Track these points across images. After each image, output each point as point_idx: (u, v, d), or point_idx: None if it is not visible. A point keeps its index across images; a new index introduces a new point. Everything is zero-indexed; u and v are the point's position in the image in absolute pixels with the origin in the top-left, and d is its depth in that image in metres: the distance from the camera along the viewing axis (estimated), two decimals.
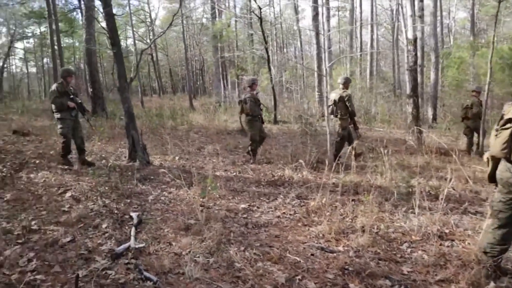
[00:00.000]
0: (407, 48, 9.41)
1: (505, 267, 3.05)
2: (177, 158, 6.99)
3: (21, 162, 6.33)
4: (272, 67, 13.96)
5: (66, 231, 3.67)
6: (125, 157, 6.73)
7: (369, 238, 3.56)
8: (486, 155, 3.05)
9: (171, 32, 34.38)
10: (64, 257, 3.18)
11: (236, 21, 27.10)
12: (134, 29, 26.54)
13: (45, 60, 38.15)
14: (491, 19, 20.19)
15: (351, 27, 22.05)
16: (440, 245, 3.53)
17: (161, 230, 3.75)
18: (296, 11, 25.22)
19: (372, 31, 22.43)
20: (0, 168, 5.87)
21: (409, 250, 3.46)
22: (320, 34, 13.95)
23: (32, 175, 5.68)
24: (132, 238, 3.46)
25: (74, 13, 26.14)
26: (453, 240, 3.66)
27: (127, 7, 25.33)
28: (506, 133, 2.75)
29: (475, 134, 8.72)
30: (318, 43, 15.69)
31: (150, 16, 34.36)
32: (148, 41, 30.07)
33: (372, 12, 22.86)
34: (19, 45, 35.46)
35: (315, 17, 15.71)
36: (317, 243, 3.57)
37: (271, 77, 13.52)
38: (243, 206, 4.52)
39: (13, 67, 42.06)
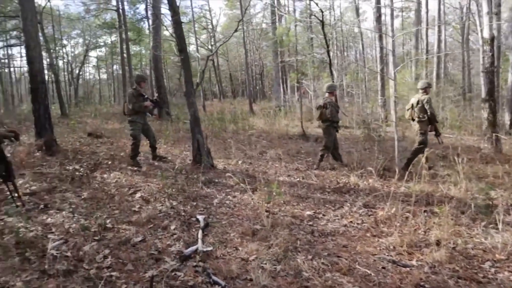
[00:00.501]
0: (483, 49, 8.76)
1: None
2: (240, 162, 7.06)
3: (95, 162, 6.73)
4: (334, 71, 13.68)
5: (137, 231, 3.82)
6: (190, 160, 6.92)
7: (445, 253, 3.32)
8: None
9: (232, 37, 35.03)
10: (136, 256, 3.30)
11: (296, 25, 27.03)
12: (197, 35, 27.43)
13: (114, 67, 40.70)
14: None
15: (418, 28, 21.05)
16: None
17: (227, 234, 3.77)
18: (358, 13, 24.65)
19: (439, 31, 21.26)
20: (77, 167, 6.29)
21: (492, 270, 3.17)
22: (387, 35, 13.47)
23: (105, 175, 6.01)
24: (200, 241, 3.51)
25: (142, 22, 27.57)
26: None
27: (190, 15, 26.32)
28: None
29: None
30: (381, 45, 15.18)
31: (212, 23, 35.33)
32: (210, 47, 30.90)
33: (439, 11, 21.68)
34: (92, 53, 38.12)
35: (378, 18, 15.24)
36: (388, 255, 3.40)
37: (333, 81, 13.25)
38: (308, 213, 4.44)
39: (87, 74, 45.29)
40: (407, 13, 31.59)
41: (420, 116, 6.47)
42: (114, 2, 23.09)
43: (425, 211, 4.38)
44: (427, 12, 22.61)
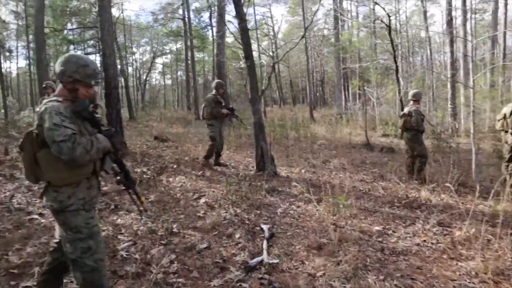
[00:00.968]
0: None
1: None
2: (303, 170, 6.93)
3: (161, 166, 6.95)
4: (400, 78, 13.09)
5: (202, 237, 3.83)
6: (252, 167, 6.90)
7: None
8: None
9: (292, 44, 34.96)
10: (201, 263, 3.29)
11: (359, 31, 26.40)
12: (259, 42, 27.71)
13: (179, 73, 42.40)
14: None
15: (503, 31, 19.56)
16: None
17: (292, 247, 3.66)
18: (426, 17, 23.51)
19: None
20: (145, 170, 6.52)
21: None
22: (465, 39, 12.65)
23: (171, 179, 6.16)
24: (265, 252, 3.44)
25: (206, 30, 28.43)
26: None
27: (252, 22, 26.66)
28: None
29: None
30: (452, 51, 14.31)
31: (273, 30, 35.55)
32: (271, 53, 31.04)
33: None
34: (158, 60, 39.94)
35: (450, 22, 14.39)
36: (469, 282, 3.09)
37: (399, 89, 12.68)
38: (377, 228, 4.20)
39: (153, 79, 47.56)
40: (481, 15, 29.60)
41: None
42: (180, 12, 24.04)
43: (511, 234, 3.96)
44: (505, 13, 21.01)
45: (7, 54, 29.98)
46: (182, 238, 3.82)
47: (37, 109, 2.20)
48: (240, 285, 2.97)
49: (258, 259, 3.31)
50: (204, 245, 3.63)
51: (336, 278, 3.03)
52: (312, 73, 35.06)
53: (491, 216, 4.44)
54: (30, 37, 22.83)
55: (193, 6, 25.47)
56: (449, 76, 14.32)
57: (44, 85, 7.40)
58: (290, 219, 4.48)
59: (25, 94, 34.89)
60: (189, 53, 22.67)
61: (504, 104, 14.28)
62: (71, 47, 26.06)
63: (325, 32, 34.14)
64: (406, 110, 6.48)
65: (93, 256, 2.23)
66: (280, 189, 5.65)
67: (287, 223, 4.33)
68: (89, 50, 27.51)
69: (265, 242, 3.66)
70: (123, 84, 21.20)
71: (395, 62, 12.77)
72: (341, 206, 4.35)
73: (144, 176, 6.11)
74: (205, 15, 27.38)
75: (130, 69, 34.57)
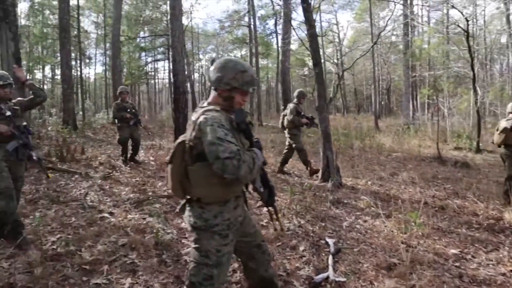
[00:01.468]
0: None
1: None
2: (369, 182, 6.63)
3: None
4: (477, 87, 12.18)
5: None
6: (317, 176, 6.73)
7: None
8: None
9: (359, 51, 34.18)
10: None
11: (429, 37, 25.07)
12: (324, 49, 27.36)
13: None
14: None
15: None
16: None
17: (360, 264, 3.46)
18: (509, 21, 21.74)
19: None
20: None
21: None
22: None
23: None
24: (331, 268, 3.27)
25: (270, 37, 28.68)
26: None
27: (318, 29, 26.34)
28: None
29: None
30: None
31: (339, 37, 34.98)
32: (336, 61, 30.52)
33: None
34: None
35: None
36: None
37: (476, 99, 11.82)
38: (453, 251, 3.85)
39: None
40: None
41: None
42: (246, 19, 24.47)
43: None
44: None
45: (87, 61, 32.47)
46: None
47: (192, 118, 2.05)
48: None
49: (324, 275, 3.16)
50: None
51: None
52: (378, 81, 33.95)
53: None
54: (107, 45, 24.49)
55: (258, 14, 25.80)
56: None
57: (120, 90, 7.75)
58: (357, 234, 4.26)
59: (100, 98, 37.46)
60: (254, 60, 22.97)
61: None
62: (143, 54, 27.57)
63: (393, 38, 32.93)
64: (506, 124, 5.50)
65: (212, 286, 2.07)
66: (345, 201, 5.42)
67: (354, 238, 4.12)
68: (159, 56, 28.93)
69: (330, 257, 3.50)
70: (189, 89, 21.99)
71: (472, 70, 11.95)
72: (412, 223, 4.06)
73: None
74: (270, 22, 27.60)
75: (196, 75, 35.80)
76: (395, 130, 15.58)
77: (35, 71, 29.85)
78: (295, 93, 7.35)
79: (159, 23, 23.63)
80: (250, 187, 2.31)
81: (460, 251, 3.87)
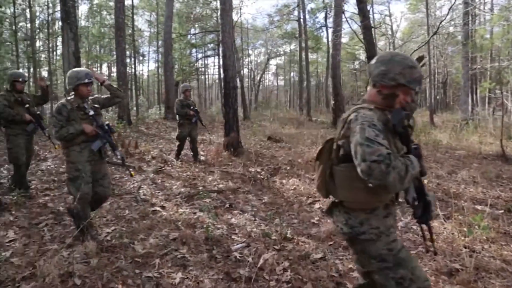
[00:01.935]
0: None
1: None
2: (425, 181, 6.29)
3: (274, 167, 6.95)
4: None
5: (317, 246, 3.64)
6: None
7: None
8: None
9: (412, 43, 32.75)
10: (316, 275, 3.11)
11: (493, 25, 23.44)
12: (376, 42, 26.47)
13: (292, 74, 42.88)
14: None
15: None
16: None
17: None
18: None
19: None
20: (259, 170, 6.59)
21: None
22: None
23: (284, 181, 6.11)
24: None
25: (320, 30, 28.18)
26: None
27: (370, 20, 25.51)
28: None
29: None
30: None
31: (391, 29, 33.70)
32: None
33: None
34: (272, 62, 41.01)
35: None
36: None
37: None
38: None
39: (266, 80, 48.96)
40: None
41: None
42: (296, 13, 24.19)
43: None
44: None
45: (141, 58, 33.76)
46: (296, 245, 3.69)
47: (344, 115, 1.93)
48: None
49: None
50: (319, 256, 3.44)
51: None
52: (433, 75, 32.34)
53: None
54: (160, 42, 25.26)
55: (308, 7, 25.41)
56: None
57: (185, 88, 7.59)
58: (413, 235, 4.04)
59: (153, 94, 38.80)
60: (303, 54, 22.68)
61: None
62: (193, 50, 28.14)
63: (451, 29, 31.17)
64: None
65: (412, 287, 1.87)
66: (400, 200, 5.17)
67: (410, 240, 3.91)
68: (209, 52, 29.40)
69: None
70: (238, 84, 22.15)
71: None
72: (476, 226, 3.78)
73: (258, 176, 6.16)
74: (320, 16, 27.12)
75: (245, 70, 36.04)
76: (452, 125, 14.74)
77: (94, 69, 31.49)
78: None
79: (209, 19, 23.98)
80: (401, 197, 2.08)
81: None
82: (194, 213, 4.56)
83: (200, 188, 5.69)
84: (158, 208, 4.71)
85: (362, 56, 33.02)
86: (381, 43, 36.28)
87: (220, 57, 12.70)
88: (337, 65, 15.33)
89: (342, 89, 17.16)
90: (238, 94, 9.76)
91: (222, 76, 9.52)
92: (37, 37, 21.16)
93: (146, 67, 65.19)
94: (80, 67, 7.84)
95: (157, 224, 4.14)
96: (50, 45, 22.58)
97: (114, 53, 17.48)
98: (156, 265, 3.15)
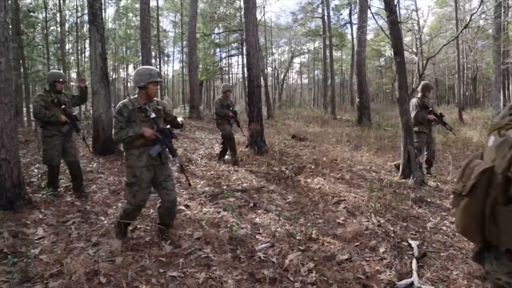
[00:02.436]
0: None
1: None
2: (455, 179, 6.08)
3: (299, 166, 6.87)
4: None
5: (343, 247, 3.57)
6: (396, 172, 6.34)
7: None
8: None
9: (440, 38, 31.87)
10: (341, 276, 3.04)
11: None
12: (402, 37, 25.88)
13: (315, 72, 42.50)
14: None
15: None
16: None
17: (448, 271, 3.15)
18: None
19: None
20: (283, 169, 6.53)
21: None
22: None
23: (308, 180, 6.03)
24: (415, 274, 3.02)
25: (344, 27, 27.79)
26: None
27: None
28: None
29: None
30: None
31: (418, 24, 32.85)
32: (415, 49, 28.75)
33: None
34: (296, 60, 40.72)
35: None
36: None
37: None
38: None
39: (290, 79, 48.71)
40: None
41: None
42: (319, 10, 23.92)
43: None
44: None
45: (166, 58, 34.20)
46: (321, 245, 3.62)
47: (508, 133, 1.40)
48: None
49: (408, 281, 2.92)
50: (345, 257, 3.37)
51: None
52: (462, 70, 31.39)
53: None
54: (184, 42, 25.50)
55: (332, 4, 25.12)
56: None
57: (226, 88, 7.43)
58: (443, 237, 3.91)
59: (177, 93, 39.24)
60: (327, 52, 22.41)
61: None
62: (217, 49, 28.29)
63: (481, 22, 30.13)
64: None
65: None
66: (429, 199, 5.02)
67: (440, 241, 3.78)
68: (233, 52, 29.49)
69: (414, 261, 3.23)
70: (262, 83, 22.09)
71: None
72: None
73: (282, 175, 6.11)
74: (345, 12, 26.76)
75: (269, 69, 35.97)
76: (483, 122, 14.26)
77: (120, 70, 32.16)
78: (419, 87, 6.49)
79: (233, 18, 24.02)
80: None
81: None
82: (218, 213, 4.55)
83: (224, 187, 5.68)
84: (182, 207, 4.72)
85: (388, 52, 32.37)
86: (407, 39, 35.40)
87: (244, 56, 12.67)
88: (362, 62, 15.06)
89: (367, 86, 16.85)
90: (262, 93, 9.71)
91: (246, 75, 9.50)
92: (66, 40, 21.75)
93: (171, 67, 66.09)
94: (106, 68, 7.98)
95: (181, 223, 4.14)
96: (79, 47, 23.18)
97: (140, 54, 17.73)
98: (180, 265, 3.15)
